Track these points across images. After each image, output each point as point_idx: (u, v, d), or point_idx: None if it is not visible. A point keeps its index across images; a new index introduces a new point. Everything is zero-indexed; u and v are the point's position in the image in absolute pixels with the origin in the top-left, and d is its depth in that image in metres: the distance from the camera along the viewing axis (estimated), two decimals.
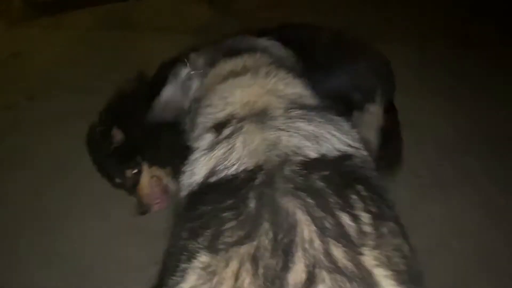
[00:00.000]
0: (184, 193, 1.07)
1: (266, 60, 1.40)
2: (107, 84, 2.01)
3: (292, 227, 0.80)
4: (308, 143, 0.99)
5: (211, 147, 1.05)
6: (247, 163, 0.95)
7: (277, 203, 0.85)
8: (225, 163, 0.99)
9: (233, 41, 1.59)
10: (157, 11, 3.93)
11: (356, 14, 3.55)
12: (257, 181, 0.90)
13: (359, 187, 0.91)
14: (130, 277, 1.81)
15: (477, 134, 2.49)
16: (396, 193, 1.06)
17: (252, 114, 1.09)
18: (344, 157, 1.00)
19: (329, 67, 1.70)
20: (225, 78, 1.33)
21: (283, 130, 1.02)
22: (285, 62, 1.47)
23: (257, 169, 0.93)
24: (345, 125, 1.12)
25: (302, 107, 1.12)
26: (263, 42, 1.60)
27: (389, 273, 0.77)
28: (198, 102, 1.37)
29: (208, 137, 1.10)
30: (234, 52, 1.46)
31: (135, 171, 1.78)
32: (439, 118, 2.60)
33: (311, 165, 0.94)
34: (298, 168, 0.92)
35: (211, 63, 1.47)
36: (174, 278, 0.83)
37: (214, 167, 1.00)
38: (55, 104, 2.79)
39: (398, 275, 0.78)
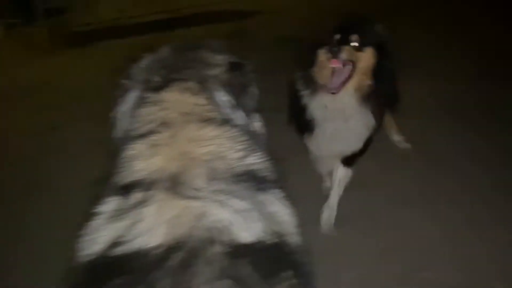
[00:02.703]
0: (79, 261, 0.93)
1: (183, 107, 1.11)
2: None
3: None
4: (239, 221, 0.87)
5: (116, 215, 0.91)
6: (162, 237, 0.83)
7: None
8: (132, 233, 0.85)
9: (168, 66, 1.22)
10: None
11: None
12: (173, 261, 0.78)
13: (289, 273, 0.84)
14: None
15: None
16: None
17: (165, 180, 0.94)
18: (276, 242, 0.90)
19: None
20: (145, 131, 1.07)
21: (209, 201, 0.88)
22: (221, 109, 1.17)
23: (176, 245, 0.81)
24: (280, 205, 0.97)
25: (226, 176, 0.96)
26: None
27: None
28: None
29: (113, 201, 0.94)
30: (155, 87, 1.15)
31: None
32: None
33: (240, 247, 0.83)
34: (227, 248, 0.81)
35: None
36: None
37: (119, 237, 0.87)
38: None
39: None
